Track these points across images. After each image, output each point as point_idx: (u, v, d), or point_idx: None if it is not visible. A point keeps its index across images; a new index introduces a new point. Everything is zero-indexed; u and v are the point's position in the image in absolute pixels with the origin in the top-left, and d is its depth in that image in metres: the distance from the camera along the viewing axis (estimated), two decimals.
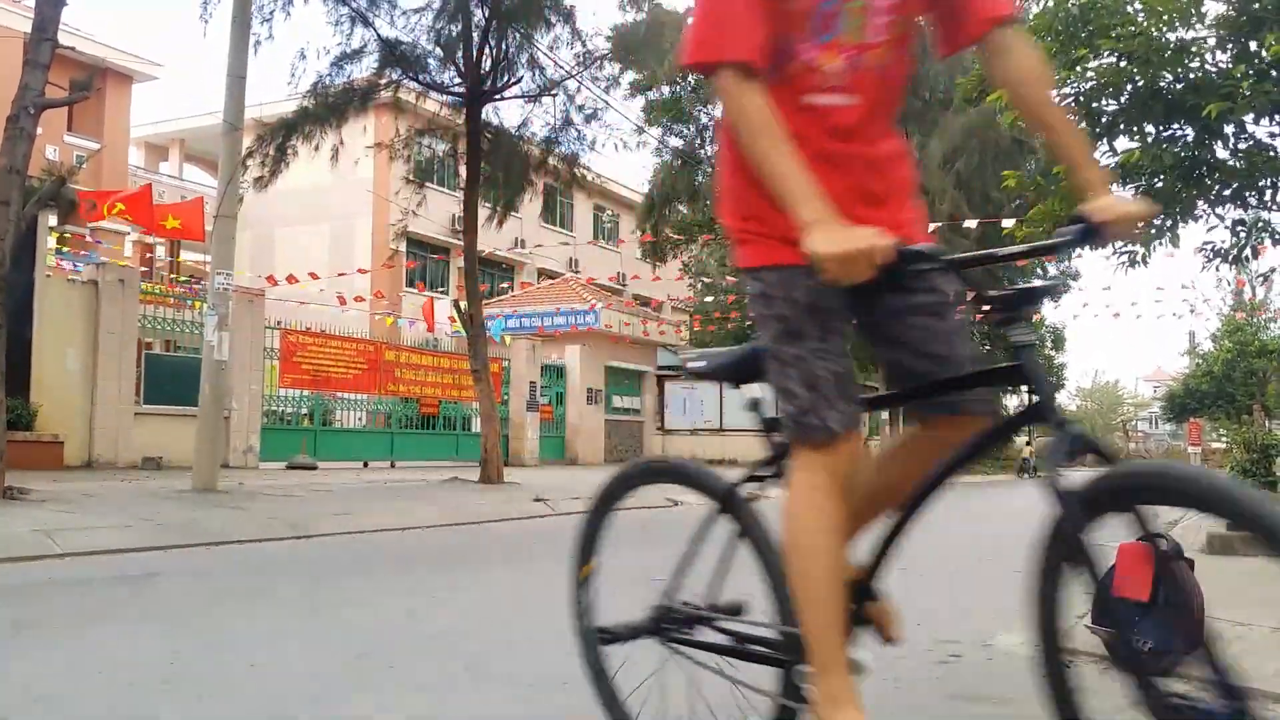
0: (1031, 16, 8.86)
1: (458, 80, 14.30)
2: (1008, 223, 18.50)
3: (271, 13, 12.69)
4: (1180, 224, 8.42)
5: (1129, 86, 7.78)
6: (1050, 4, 8.11)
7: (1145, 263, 8.63)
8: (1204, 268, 9.26)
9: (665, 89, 33.61)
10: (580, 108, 14.99)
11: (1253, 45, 7.28)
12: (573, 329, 26.20)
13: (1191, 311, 43.39)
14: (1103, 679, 3.76)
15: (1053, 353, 45.10)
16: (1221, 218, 8.48)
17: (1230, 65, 7.13)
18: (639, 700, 2.56)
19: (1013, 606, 5.51)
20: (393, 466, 18.97)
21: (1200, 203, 8.21)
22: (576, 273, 33.47)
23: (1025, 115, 2.18)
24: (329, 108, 13.52)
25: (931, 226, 23.00)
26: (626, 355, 27.84)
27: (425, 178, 15.98)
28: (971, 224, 22.02)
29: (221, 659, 3.79)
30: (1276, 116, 7.54)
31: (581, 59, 14.56)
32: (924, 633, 4.59)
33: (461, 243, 15.76)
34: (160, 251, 28.61)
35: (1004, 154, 27.45)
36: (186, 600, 5.16)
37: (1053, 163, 9.15)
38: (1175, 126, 7.99)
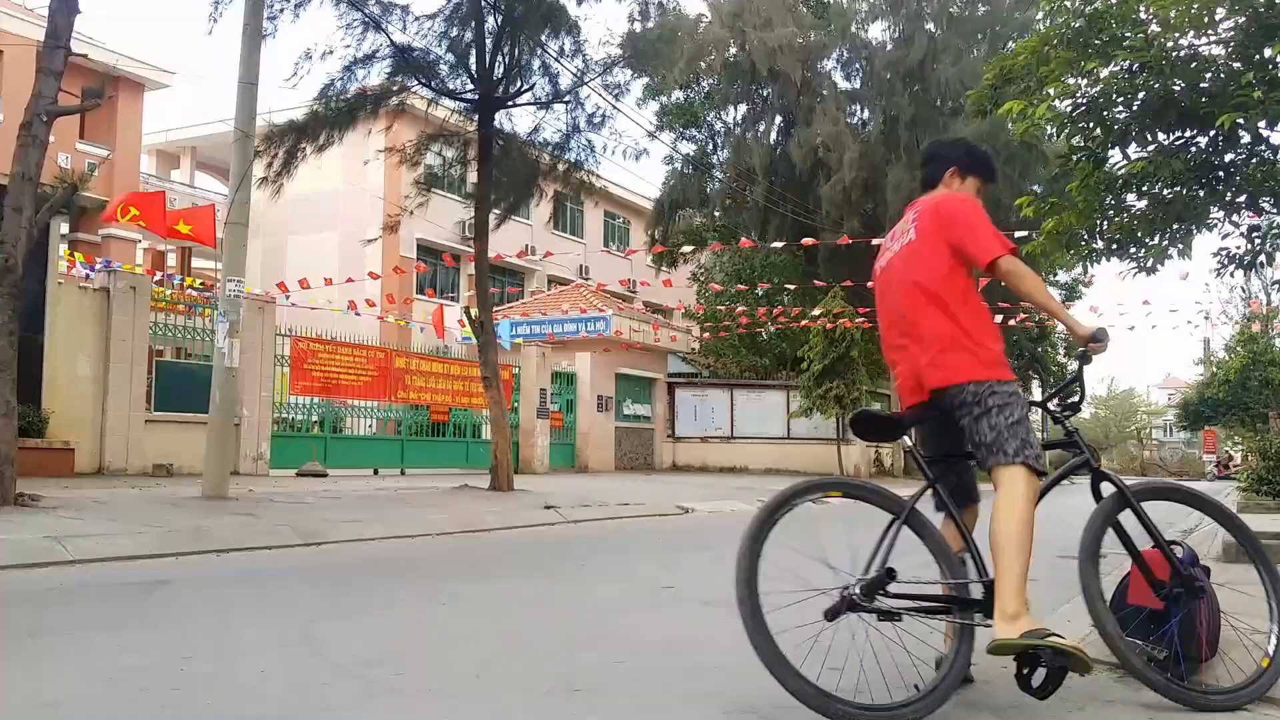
0: (1042, 27, 8.83)
1: (470, 87, 14.30)
2: (1020, 232, 18.39)
3: (281, 10, 12.64)
4: (1195, 232, 8.37)
5: (1141, 94, 7.74)
6: (1059, 19, 8.08)
7: (1151, 272, 8.58)
8: (1219, 274, 9.19)
9: (678, 94, 33.61)
10: (590, 116, 14.96)
11: (1267, 52, 7.24)
12: (583, 336, 26.14)
13: (1206, 318, 43.02)
14: (1118, 686, 3.73)
15: (1064, 359, 44.94)
16: (1236, 224, 8.43)
17: (1242, 72, 7.08)
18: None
19: None
20: (403, 474, 18.97)
21: (1214, 208, 8.16)
22: (587, 279, 33.43)
23: None
24: (340, 112, 13.49)
25: None
26: (637, 362, 27.81)
27: (436, 184, 15.89)
28: None
29: (231, 666, 3.78)
30: None
31: (593, 66, 14.50)
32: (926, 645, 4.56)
33: (471, 249, 15.75)
34: (171, 259, 28.65)
35: (1014, 158, 27.35)
36: (196, 607, 5.16)
37: (1063, 174, 9.10)
38: (1188, 134, 7.94)
